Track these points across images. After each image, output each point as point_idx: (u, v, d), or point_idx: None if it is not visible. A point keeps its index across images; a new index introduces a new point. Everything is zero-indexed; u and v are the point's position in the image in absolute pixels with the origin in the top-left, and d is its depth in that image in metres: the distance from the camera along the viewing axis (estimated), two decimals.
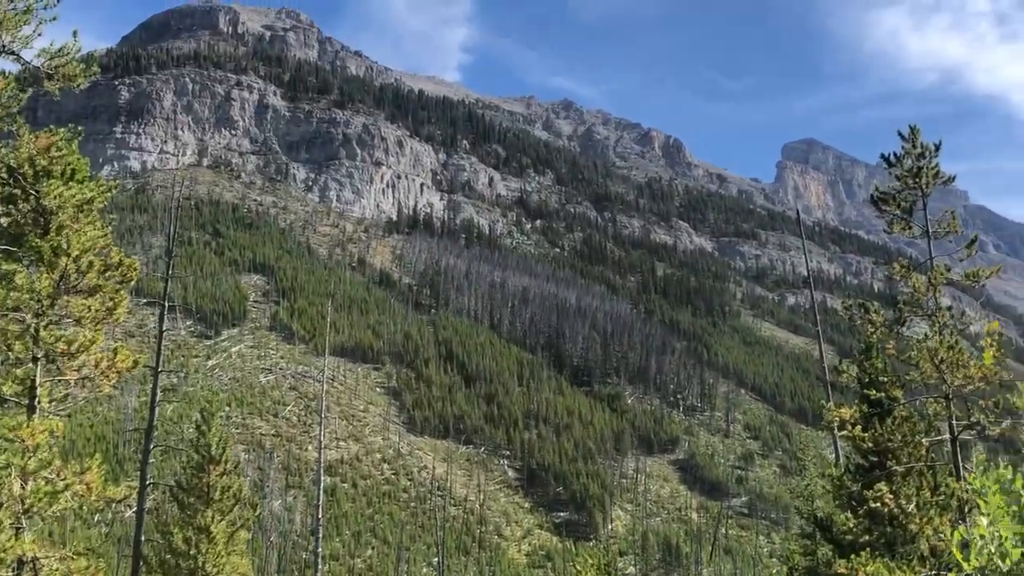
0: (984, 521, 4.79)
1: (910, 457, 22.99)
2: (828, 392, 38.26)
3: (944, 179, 24.17)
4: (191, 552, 28.72)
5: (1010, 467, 5.19)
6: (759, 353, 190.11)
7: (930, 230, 23.88)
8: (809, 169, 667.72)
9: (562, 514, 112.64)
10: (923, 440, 22.94)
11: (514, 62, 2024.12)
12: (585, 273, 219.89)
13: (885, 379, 23.72)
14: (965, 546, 5.07)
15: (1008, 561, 4.85)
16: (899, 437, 22.55)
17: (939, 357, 21.07)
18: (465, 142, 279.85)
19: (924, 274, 24.13)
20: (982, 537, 4.77)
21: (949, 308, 23.46)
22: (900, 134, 24.15)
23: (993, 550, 4.74)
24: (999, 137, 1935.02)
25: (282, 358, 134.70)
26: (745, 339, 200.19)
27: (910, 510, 21.23)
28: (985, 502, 4.86)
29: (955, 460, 22.35)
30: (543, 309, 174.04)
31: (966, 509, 20.35)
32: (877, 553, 20.95)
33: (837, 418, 23.84)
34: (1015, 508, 4.98)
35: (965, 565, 4.77)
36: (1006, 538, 4.78)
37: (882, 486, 21.73)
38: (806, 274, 53.82)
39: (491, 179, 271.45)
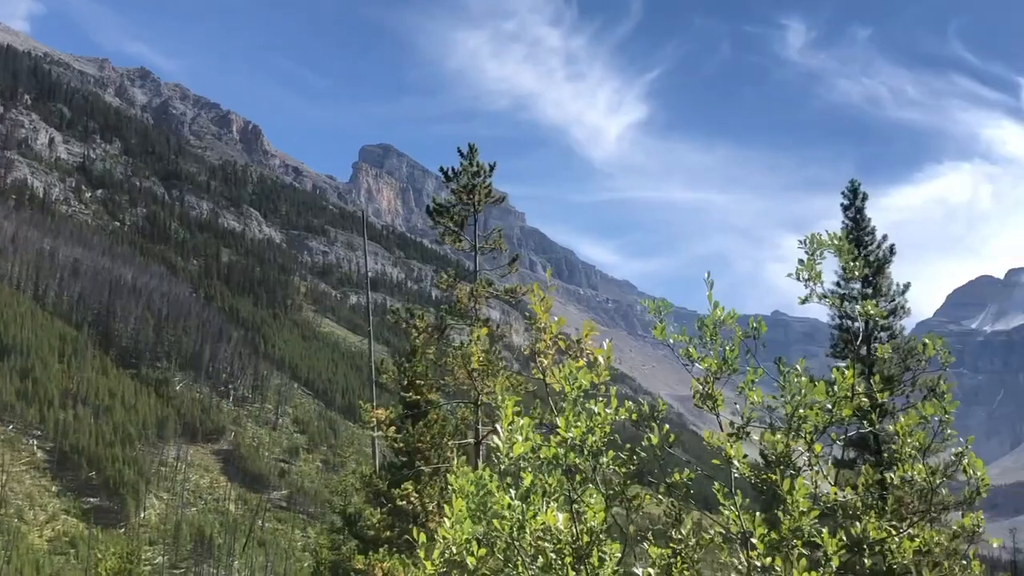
0: (447, 522, 5.04)
1: (438, 458, 24.06)
2: (373, 392, 39.24)
3: (495, 198, 25.58)
4: None
5: (487, 469, 5.49)
6: (316, 349, 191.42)
7: (477, 245, 25.22)
8: (384, 173, 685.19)
9: (93, 500, 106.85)
10: (450, 443, 24.10)
11: (90, 20, 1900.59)
12: (145, 251, 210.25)
13: (422, 382, 24.68)
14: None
15: (472, 559, 5.12)
16: (429, 439, 23.52)
17: (471, 365, 22.23)
18: (27, 97, 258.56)
19: (469, 285, 25.39)
20: (444, 538, 5.01)
21: (487, 320, 24.87)
22: (460, 151, 25.28)
23: (455, 550, 4.99)
24: (558, 166, 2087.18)
25: None
26: (304, 334, 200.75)
27: (432, 509, 22.20)
28: (449, 505, 5.11)
29: (476, 463, 23.66)
30: (95, 284, 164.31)
31: None
32: (397, 549, 21.69)
33: (374, 418, 24.48)
34: (483, 505, 5.27)
35: (428, 564, 4.99)
36: (467, 538, 5.05)
37: (408, 485, 22.56)
38: (366, 275, 55.11)
39: (52, 140, 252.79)
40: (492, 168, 25.34)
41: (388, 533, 22.76)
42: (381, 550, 20.54)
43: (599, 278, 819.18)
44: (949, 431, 6.25)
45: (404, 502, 22.71)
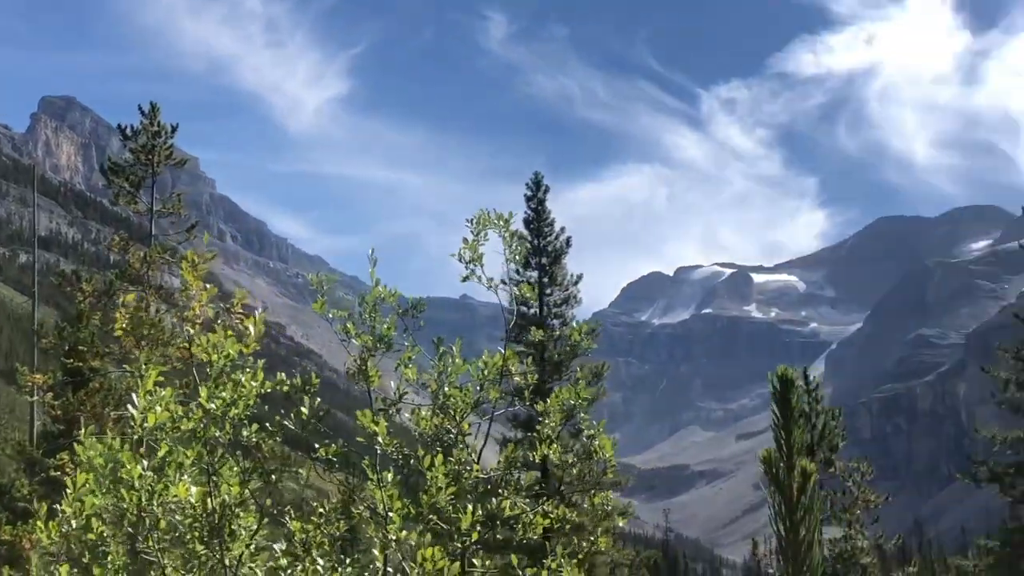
0: (68, 495, 4.80)
1: (100, 428, 23.01)
2: (35, 357, 36.92)
3: (177, 160, 24.65)
4: None
5: (119, 439, 5.26)
6: None
7: (155, 208, 24.20)
8: (65, 127, 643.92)
9: None
10: (112, 412, 23.07)
11: None
12: None
13: (85, 349, 23.47)
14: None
15: (92, 535, 4.90)
16: (90, 407, 22.43)
17: (142, 332, 21.29)
18: None
19: (144, 250, 24.30)
20: (63, 512, 4.77)
21: (161, 287, 23.89)
22: (141, 109, 24.16)
23: (75, 525, 4.75)
24: (254, 134, 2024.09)
25: None
26: None
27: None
28: (72, 479, 4.87)
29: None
30: None
31: None
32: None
33: (31, 383, 23.08)
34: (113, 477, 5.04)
35: (43, 536, 4.73)
36: (89, 513, 4.82)
37: (65, 455, 21.44)
38: (35, 232, 51.70)
39: None
40: (174, 129, 24.35)
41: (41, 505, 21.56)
42: (31, 521, 19.39)
43: (291, 252, 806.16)
44: (583, 415, 6.59)
45: (59, 472, 21.55)
